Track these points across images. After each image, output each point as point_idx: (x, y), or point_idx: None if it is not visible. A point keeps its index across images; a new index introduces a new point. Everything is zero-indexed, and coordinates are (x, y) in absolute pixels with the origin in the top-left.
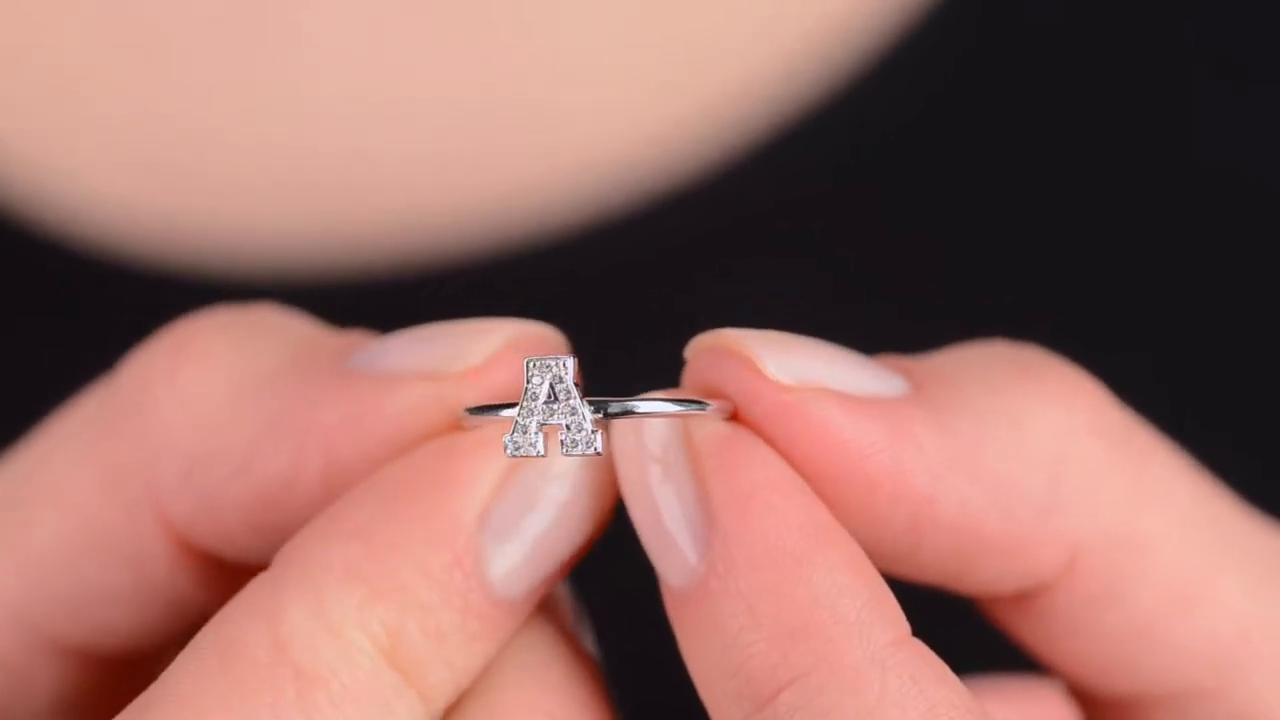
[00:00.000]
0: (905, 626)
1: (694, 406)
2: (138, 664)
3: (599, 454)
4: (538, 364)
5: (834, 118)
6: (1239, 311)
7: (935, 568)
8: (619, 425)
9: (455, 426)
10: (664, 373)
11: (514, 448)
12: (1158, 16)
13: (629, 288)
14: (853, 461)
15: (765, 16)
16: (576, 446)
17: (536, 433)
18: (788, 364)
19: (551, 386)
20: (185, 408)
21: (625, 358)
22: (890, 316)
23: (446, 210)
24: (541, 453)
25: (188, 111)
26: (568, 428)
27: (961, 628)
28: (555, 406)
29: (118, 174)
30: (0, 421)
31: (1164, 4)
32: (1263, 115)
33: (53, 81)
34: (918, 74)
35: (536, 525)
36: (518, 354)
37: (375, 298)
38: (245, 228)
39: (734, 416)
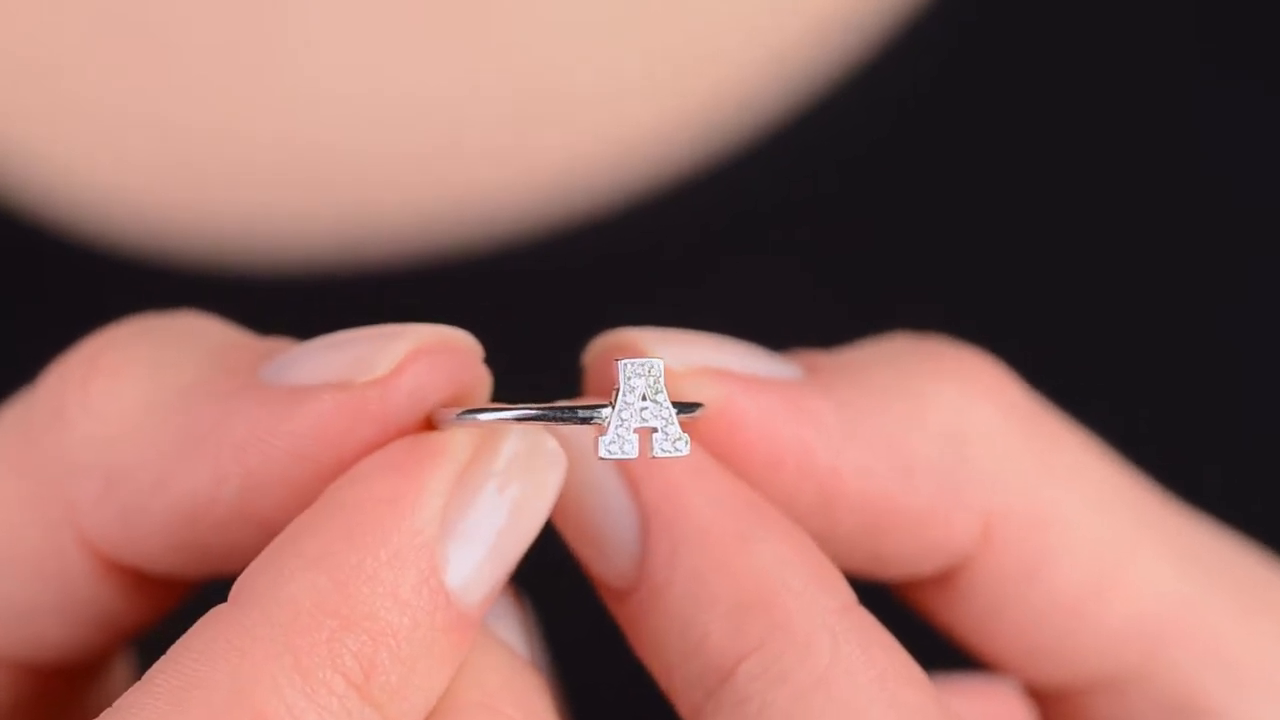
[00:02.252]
0: (850, 594)
1: (695, 409)
2: (79, 673)
3: (684, 454)
4: (632, 365)
5: (825, 118)
6: (1238, 323)
7: (852, 548)
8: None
9: (382, 440)
10: None
11: (606, 450)
12: (1154, 17)
13: (616, 285)
14: (754, 438)
15: (758, 16)
16: (671, 449)
17: (631, 435)
18: (680, 354)
19: (645, 389)
20: (99, 422)
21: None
22: (879, 318)
23: (440, 205)
24: (634, 455)
25: (188, 107)
26: (662, 430)
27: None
28: (648, 409)
29: (119, 169)
30: None
31: (1160, 5)
32: (1261, 117)
33: (53, 77)
34: (911, 74)
35: (491, 528)
36: (424, 360)
37: (371, 291)
38: (245, 222)
39: None
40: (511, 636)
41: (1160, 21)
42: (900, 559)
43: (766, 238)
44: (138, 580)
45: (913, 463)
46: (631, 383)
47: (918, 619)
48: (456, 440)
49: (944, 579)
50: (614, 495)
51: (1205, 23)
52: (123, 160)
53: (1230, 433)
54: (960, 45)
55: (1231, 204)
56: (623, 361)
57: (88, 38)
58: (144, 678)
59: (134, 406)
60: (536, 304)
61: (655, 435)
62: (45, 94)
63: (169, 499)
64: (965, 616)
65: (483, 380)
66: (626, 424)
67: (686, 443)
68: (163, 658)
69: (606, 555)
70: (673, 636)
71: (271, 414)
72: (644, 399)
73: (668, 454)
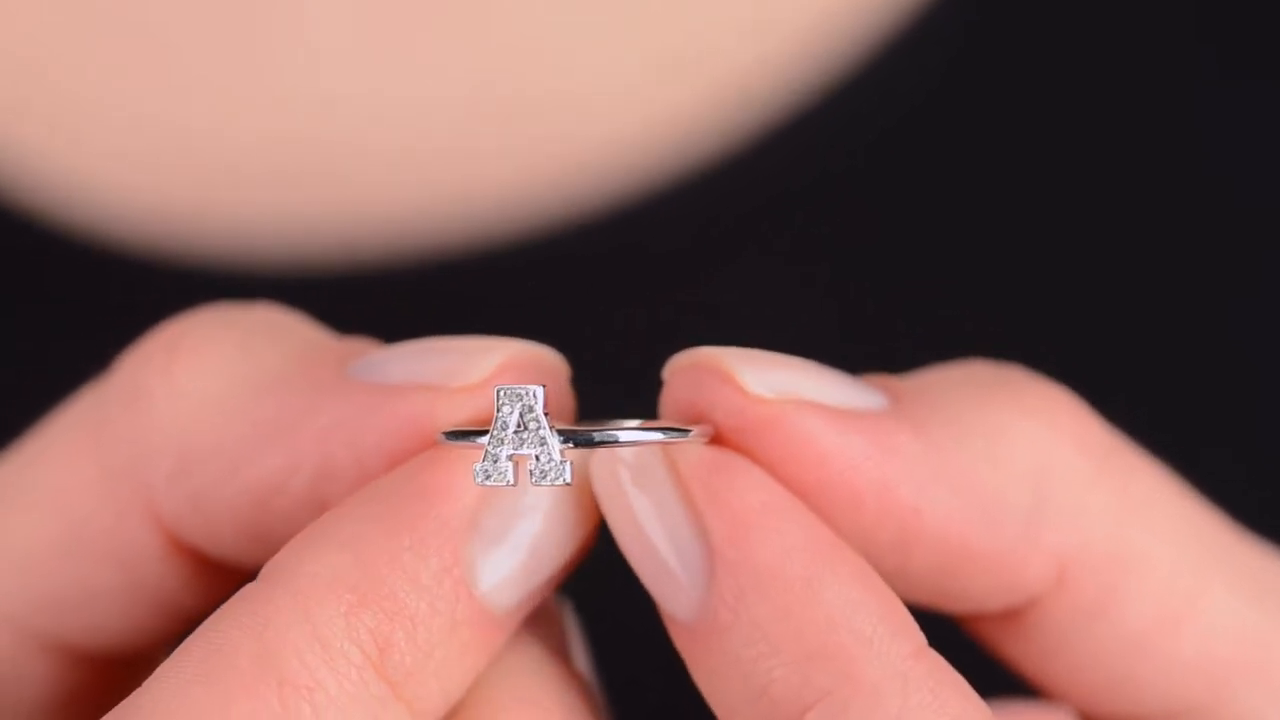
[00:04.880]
0: (921, 637)
1: (676, 434)
2: (131, 663)
3: (568, 484)
4: (508, 393)
5: (830, 114)
6: (1240, 324)
7: (924, 585)
8: (596, 458)
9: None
10: (655, 369)
11: (484, 476)
12: (1156, 15)
13: (621, 283)
14: (837, 474)
15: (761, 12)
16: (545, 477)
17: (506, 461)
18: (767, 378)
19: (521, 415)
20: (179, 404)
21: (616, 354)
22: (885, 315)
23: (439, 204)
24: (511, 482)
25: (189, 105)
26: (536, 458)
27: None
28: (525, 436)
29: (119, 166)
30: (1, 411)
31: (1162, 3)
32: (1263, 117)
33: (53, 76)
34: (914, 71)
35: (526, 534)
36: (513, 374)
37: (370, 290)
38: (244, 221)
39: (714, 440)
40: (554, 638)
41: (1162, 20)
42: (971, 596)
43: (776, 232)
44: (202, 565)
45: (994, 505)
46: (505, 409)
47: (971, 642)
48: None
49: (1012, 614)
50: (680, 530)
51: (1206, 22)
52: (122, 159)
53: (1243, 429)
54: (965, 42)
55: (1234, 200)
56: (497, 388)
57: (87, 37)
58: (176, 651)
59: (216, 391)
60: (542, 300)
61: (531, 465)
62: (46, 93)
63: (243, 484)
64: (1031, 651)
65: (567, 400)
66: (500, 451)
67: (564, 472)
68: (194, 632)
69: (669, 590)
70: (734, 679)
71: (362, 407)
72: (521, 426)
73: (543, 484)
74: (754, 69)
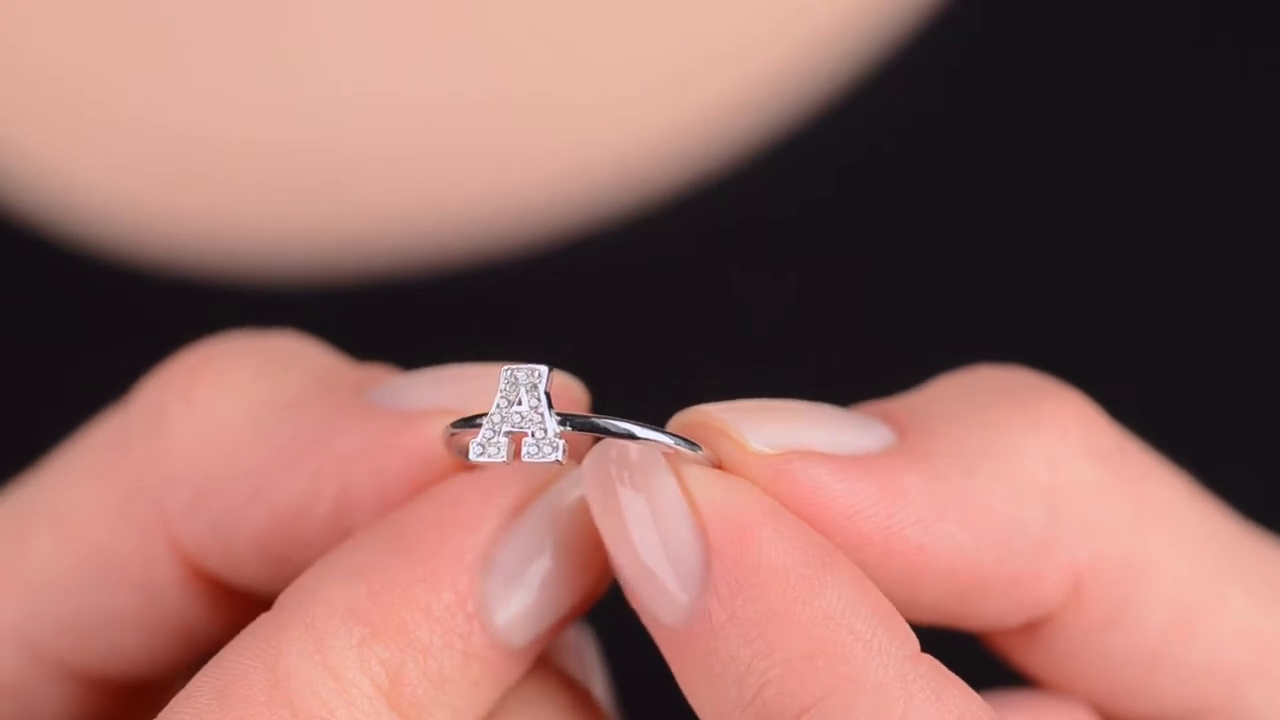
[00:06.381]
0: (915, 641)
1: (685, 445)
2: (149, 690)
3: (560, 463)
4: (514, 372)
5: (837, 122)
6: (1241, 326)
7: (937, 610)
8: (590, 461)
9: (464, 467)
10: (664, 374)
11: (479, 451)
12: (1160, 24)
13: (631, 291)
14: (842, 520)
15: (768, 21)
16: (539, 454)
17: (502, 438)
18: (768, 434)
19: (524, 395)
20: (200, 430)
21: (627, 360)
22: (892, 321)
23: (453, 212)
24: (505, 459)
25: (196, 113)
26: (533, 434)
27: (962, 655)
28: (524, 413)
29: (124, 175)
30: (10, 423)
31: (1166, 12)
32: (1263, 116)
33: (59, 84)
34: (919, 80)
35: (539, 571)
36: None
37: (382, 299)
38: (252, 229)
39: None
40: (572, 666)
41: (1162, 20)
42: (985, 616)
43: (782, 242)
44: (221, 593)
45: (1006, 530)
46: (508, 388)
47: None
48: (513, 479)
49: (1026, 629)
50: (679, 528)
51: (1206, 22)
52: (126, 168)
53: (1247, 427)
54: (967, 52)
55: (1236, 201)
56: (505, 368)
57: (92, 44)
58: (190, 681)
59: (237, 417)
60: (548, 310)
61: (526, 441)
62: (48, 101)
63: (263, 510)
64: (1047, 662)
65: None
66: (498, 428)
67: (557, 448)
68: (207, 663)
69: (664, 589)
70: (726, 682)
71: (384, 431)
72: (521, 403)
73: (536, 459)
74: (762, 75)
